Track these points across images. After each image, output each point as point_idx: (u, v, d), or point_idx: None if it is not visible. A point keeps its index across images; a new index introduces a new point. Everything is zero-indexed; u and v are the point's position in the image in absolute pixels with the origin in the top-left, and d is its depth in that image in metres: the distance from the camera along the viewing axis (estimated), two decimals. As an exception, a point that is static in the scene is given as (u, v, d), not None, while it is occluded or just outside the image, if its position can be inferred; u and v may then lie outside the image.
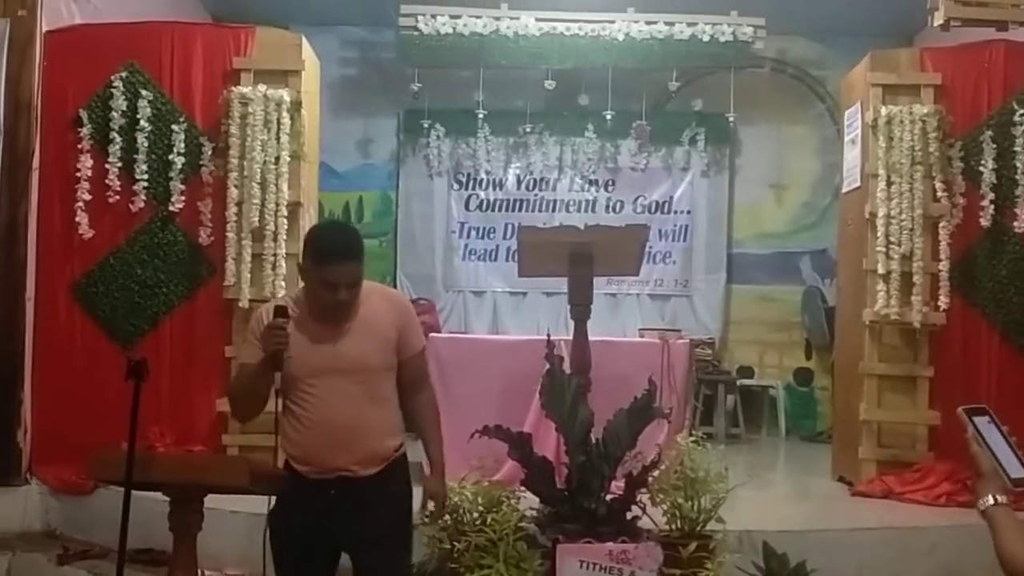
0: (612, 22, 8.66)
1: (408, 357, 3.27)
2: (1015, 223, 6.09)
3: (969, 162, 6.18)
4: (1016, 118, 6.09)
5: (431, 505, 3.39)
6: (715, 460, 4.65)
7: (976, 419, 2.05)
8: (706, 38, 8.71)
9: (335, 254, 3.06)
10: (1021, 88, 6.17)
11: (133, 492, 3.14)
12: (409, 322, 3.30)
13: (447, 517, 4.11)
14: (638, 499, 4.49)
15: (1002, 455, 2.00)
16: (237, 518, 4.85)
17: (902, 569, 5.05)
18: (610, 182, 9.74)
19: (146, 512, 3.67)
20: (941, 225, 6.14)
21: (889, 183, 6.15)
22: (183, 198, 6.05)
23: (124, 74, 6.05)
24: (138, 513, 3.35)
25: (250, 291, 5.96)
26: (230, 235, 5.98)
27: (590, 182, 9.74)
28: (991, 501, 1.97)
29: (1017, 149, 6.08)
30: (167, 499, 3.42)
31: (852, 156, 6.73)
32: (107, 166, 6.00)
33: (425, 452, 3.37)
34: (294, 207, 6.10)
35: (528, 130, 9.50)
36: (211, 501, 3.64)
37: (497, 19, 8.63)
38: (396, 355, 3.23)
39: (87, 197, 5.98)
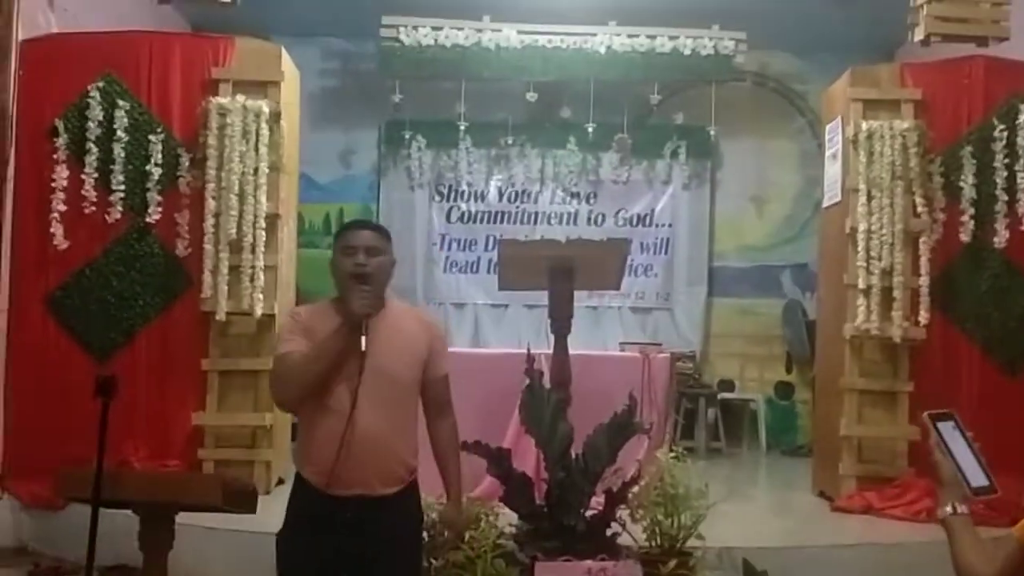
0: (594, 35, 8.67)
1: (434, 378, 3.25)
2: (995, 238, 6.10)
3: (949, 177, 6.20)
4: (996, 133, 6.11)
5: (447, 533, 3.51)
6: (695, 476, 4.62)
7: (940, 425, 1.96)
8: (688, 51, 8.73)
9: (353, 223, 3.37)
10: (1001, 103, 6.19)
11: (105, 508, 3.09)
12: (440, 344, 3.31)
13: (424, 534, 4.06)
14: (618, 515, 4.46)
15: (964, 463, 1.92)
16: (213, 535, 4.80)
17: (882, 585, 5.04)
18: (592, 195, 9.73)
19: (118, 528, 3.61)
20: (921, 240, 6.15)
21: (870, 198, 6.15)
22: (160, 209, 5.99)
23: (101, 84, 5.99)
24: (110, 529, 3.31)
25: (227, 304, 5.91)
26: (207, 247, 5.93)
27: (572, 195, 9.72)
28: (950, 510, 1.90)
29: (997, 164, 6.10)
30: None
31: (833, 171, 6.74)
32: (83, 176, 5.93)
33: (443, 479, 3.34)
34: (272, 219, 6.07)
35: (510, 142, 9.50)
36: (186, 518, 3.60)
37: (479, 31, 8.63)
38: (423, 373, 3.20)
39: (63, 208, 5.90)
